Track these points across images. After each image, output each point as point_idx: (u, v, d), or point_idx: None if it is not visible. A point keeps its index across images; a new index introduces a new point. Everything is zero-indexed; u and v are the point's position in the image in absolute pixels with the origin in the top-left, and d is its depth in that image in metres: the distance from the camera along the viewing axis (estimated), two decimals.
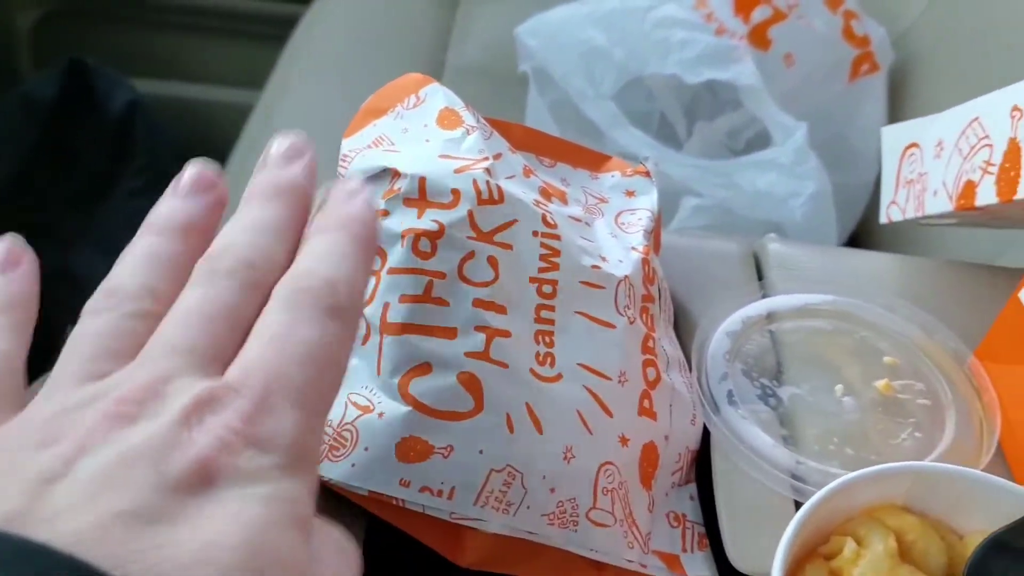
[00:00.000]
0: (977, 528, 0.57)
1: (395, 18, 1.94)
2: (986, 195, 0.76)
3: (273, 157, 0.43)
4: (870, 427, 0.70)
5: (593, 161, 0.81)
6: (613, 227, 0.75)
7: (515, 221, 0.65)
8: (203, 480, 0.30)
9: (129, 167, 1.89)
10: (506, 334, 0.62)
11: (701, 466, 0.72)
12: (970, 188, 0.78)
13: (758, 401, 0.72)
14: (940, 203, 0.83)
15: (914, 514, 0.57)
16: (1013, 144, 0.73)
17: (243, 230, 0.40)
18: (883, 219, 0.94)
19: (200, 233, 0.40)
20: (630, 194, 0.79)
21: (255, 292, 0.38)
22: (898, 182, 0.91)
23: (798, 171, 1.35)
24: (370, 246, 0.40)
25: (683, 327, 0.79)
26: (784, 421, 0.71)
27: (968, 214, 0.83)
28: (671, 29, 1.51)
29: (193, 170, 0.42)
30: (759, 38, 1.54)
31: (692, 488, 0.72)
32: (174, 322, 0.36)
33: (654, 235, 0.79)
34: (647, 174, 0.80)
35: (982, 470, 0.64)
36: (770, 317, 0.78)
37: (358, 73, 1.69)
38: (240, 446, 0.32)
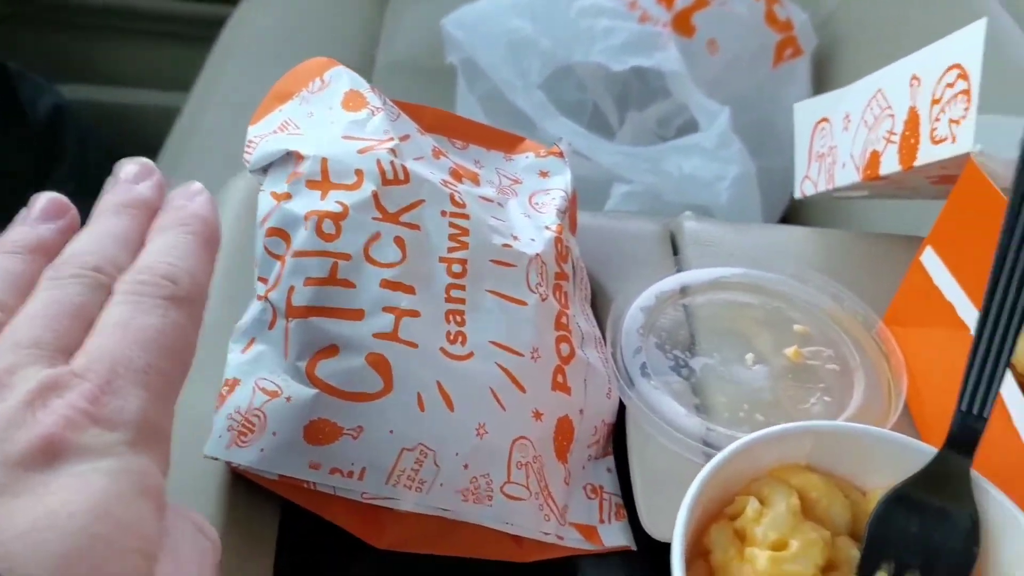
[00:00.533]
0: (881, 485, 0.58)
1: (323, 16, 1.94)
2: (889, 164, 0.77)
3: (120, 180, 0.45)
4: (780, 393, 0.71)
5: (507, 143, 0.81)
6: (527, 207, 0.75)
7: (422, 201, 0.66)
8: (48, 456, 0.31)
9: (56, 172, 1.86)
10: (415, 314, 0.62)
11: (619, 438, 0.73)
12: (875, 158, 0.80)
13: (671, 373, 0.72)
14: (848, 175, 0.85)
15: (818, 473, 0.58)
16: (912, 113, 0.74)
17: (89, 239, 0.42)
18: (797, 194, 0.96)
19: (49, 253, 0.42)
20: (544, 174, 0.79)
21: (99, 292, 0.39)
22: (810, 156, 0.93)
23: (722, 155, 1.37)
24: (212, 241, 0.44)
25: (600, 305, 0.79)
26: (696, 391, 0.72)
27: (876, 185, 0.85)
28: (596, 18, 1.52)
29: (43, 199, 0.44)
30: (683, 25, 1.56)
31: (610, 460, 0.72)
32: (19, 322, 0.37)
33: (569, 215, 0.80)
34: (560, 155, 0.81)
35: (890, 429, 0.66)
36: (684, 291, 0.79)
37: (286, 72, 1.67)
38: (85, 424, 0.33)
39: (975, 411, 0.54)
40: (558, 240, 0.72)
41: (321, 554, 0.69)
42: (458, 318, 0.64)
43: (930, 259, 0.71)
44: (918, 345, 0.72)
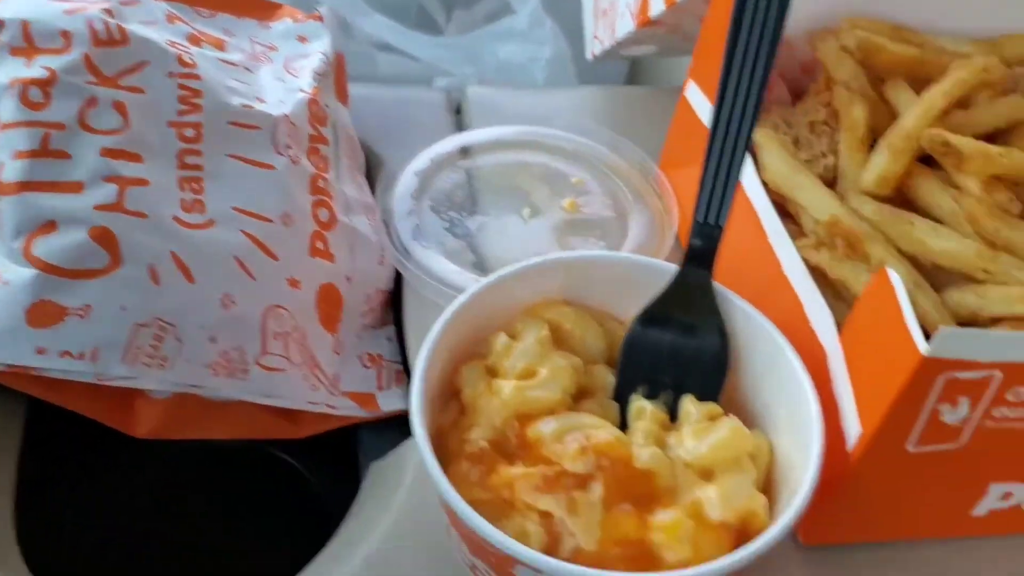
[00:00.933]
0: (636, 311, 0.56)
1: None
2: (656, 4, 0.75)
3: None
4: (557, 243, 0.70)
5: (262, 10, 0.76)
6: (282, 73, 0.71)
7: (146, 63, 0.61)
8: None
9: None
10: (143, 183, 0.58)
11: (399, 307, 0.70)
12: (645, 3, 0.78)
13: (446, 234, 0.70)
14: (626, 24, 0.83)
15: (573, 305, 0.57)
16: None
17: None
18: (588, 55, 0.94)
19: None
20: (302, 39, 0.75)
21: None
22: (596, 14, 0.91)
23: (535, 36, 1.34)
24: None
25: (378, 174, 0.76)
26: (473, 249, 0.69)
27: (657, 34, 0.83)
28: None
29: None
30: None
31: (390, 330, 0.70)
32: None
33: (337, 83, 0.76)
34: (320, 19, 0.76)
35: (664, 258, 0.65)
36: (464, 153, 0.77)
37: None
38: None
39: (711, 220, 0.53)
40: (312, 102, 0.68)
41: (80, 453, 0.65)
42: (194, 185, 0.60)
43: (693, 93, 0.70)
44: (689, 181, 0.71)
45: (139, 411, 0.61)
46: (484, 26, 1.64)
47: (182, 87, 0.61)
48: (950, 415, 0.46)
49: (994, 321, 0.54)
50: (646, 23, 0.78)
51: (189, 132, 0.61)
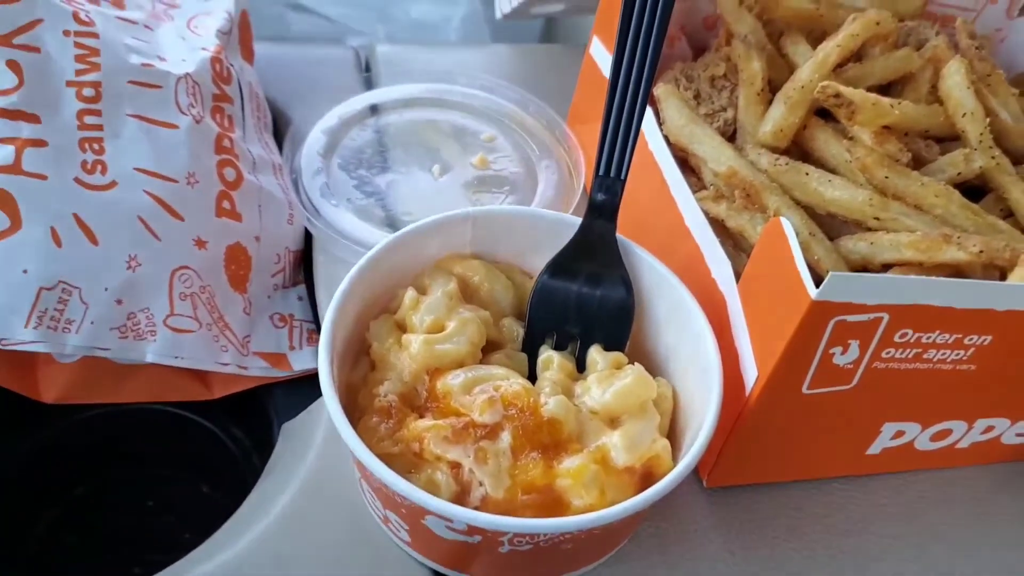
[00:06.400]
0: (544, 264, 0.57)
1: None
2: None
3: None
4: (467, 199, 0.70)
5: None
6: (184, 31, 0.70)
7: (39, 21, 0.59)
8: None
9: None
10: (41, 143, 0.57)
11: (310, 267, 0.70)
12: None
13: (355, 192, 0.70)
14: None
15: (482, 259, 0.58)
16: None
17: None
18: (498, 14, 0.94)
19: None
20: None
21: None
22: None
23: None
24: None
25: (287, 133, 0.75)
26: (383, 206, 0.69)
27: None
28: None
29: None
30: None
31: (301, 289, 0.70)
32: None
33: (242, 41, 0.75)
34: None
35: (572, 212, 0.66)
36: (374, 111, 0.76)
37: None
38: None
39: (613, 174, 0.54)
40: (216, 60, 0.67)
41: None
42: (95, 146, 0.59)
43: (597, 50, 0.71)
44: (596, 136, 0.72)
45: (45, 376, 0.60)
46: None
47: (79, 45, 0.60)
48: (841, 357, 0.49)
49: (885, 267, 0.57)
50: None
51: (88, 92, 0.59)
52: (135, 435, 0.71)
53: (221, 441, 0.70)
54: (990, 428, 0.58)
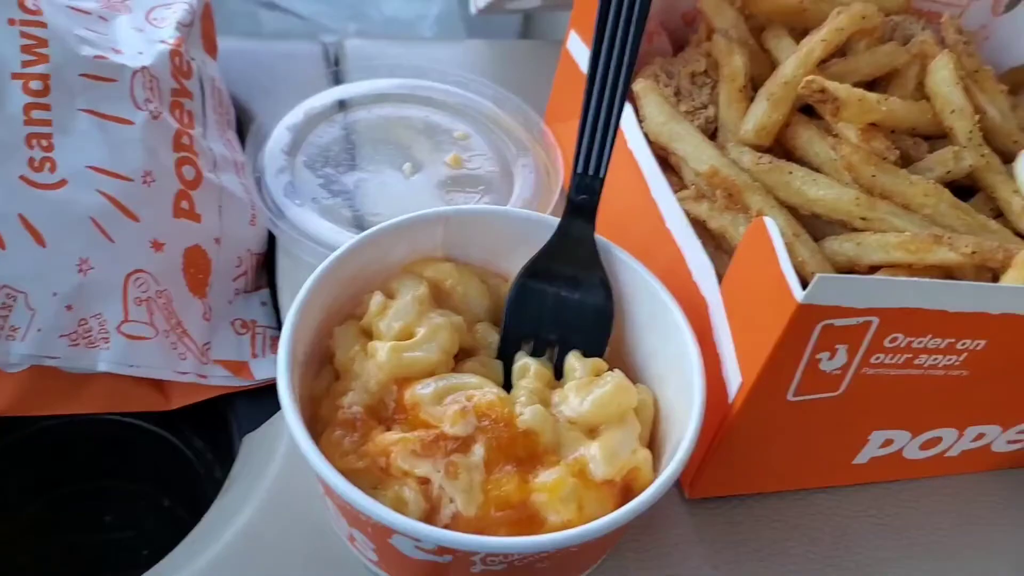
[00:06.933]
0: (520, 267, 0.55)
1: None
2: None
3: None
4: (439, 199, 0.68)
5: None
6: (142, 23, 0.66)
7: None
8: None
9: None
10: None
11: (274, 271, 0.67)
12: None
13: (321, 191, 0.67)
14: None
15: (454, 262, 0.55)
16: None
17: None
18: (472, 10, 0.91)
19: None
20: None
21: None
22: None
23: None
24: None
25: (250, 130, 0.72)
26: (351, 206, 0.67)
27: None
28: None
29: None
30: None
31: (264, 294, 0.67)
32: None
33: (203, 34, 0.72)
34: None
35: (550, 212, 0.63)
36: (342, 107, 0.74)
37: None
38: None
39: (591, 172, 0.52)
40: (175, 53, 0.64)
41: None
42: (43, 142, 0.56)
43: (575, 45, 0.68)
44: (574, 133, 0.69)
45: None
46: None
47: (25, 35, 0.57)
48: (828, 363, 0.46)
49: (872, 269, 0.55)
50: None
51: (35, 84, 0.56)
52: (90, 447, 0.68)
53: (182, 453, 0.67)
54: (981, 435, 0.56)
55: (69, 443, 0.68)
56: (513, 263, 0.54)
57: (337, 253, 0.51)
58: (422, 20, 1.31)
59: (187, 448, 0.67)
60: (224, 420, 0.62)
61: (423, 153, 0.71)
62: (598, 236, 0.53)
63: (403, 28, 1.32)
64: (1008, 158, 0.62)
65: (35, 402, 0.58)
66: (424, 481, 0.45)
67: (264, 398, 0.61)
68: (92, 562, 0.68)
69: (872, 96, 0.58)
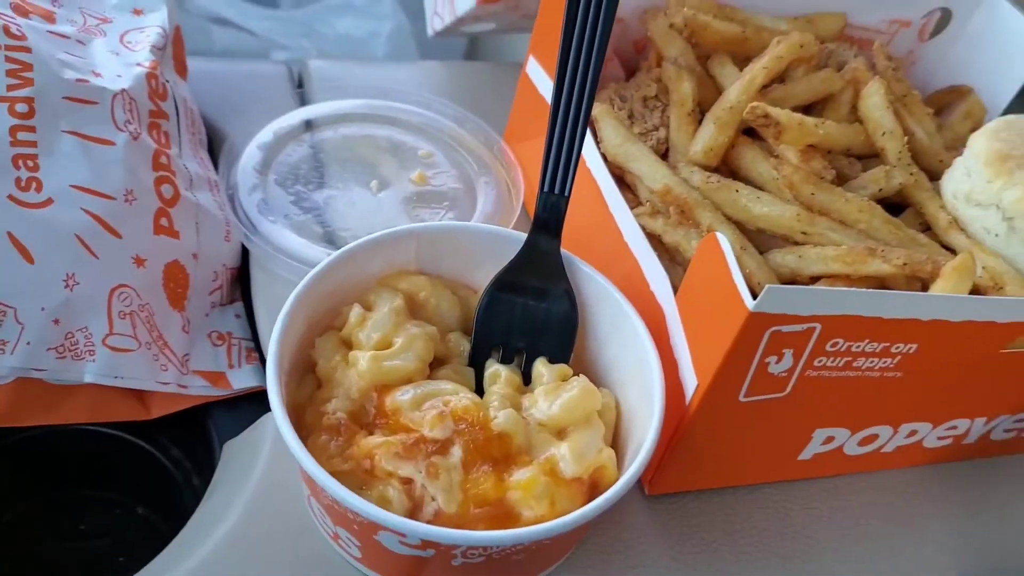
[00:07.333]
0: (489, 279, 0.58)
1: None
2: None
3: None
4: (406, 215, 0.71)
5: None
6: (117, 46, 0.69)
7: None
8: None
9: None
10: None
11: (247, 284, 0.70)
12: None
13: (292, 207, 0.70)
14: (467, 2, 0.84)
15: (427, 275, 0.58)
16: None
17: None
18: (429, 31, 0.94)
19: None
20: (138, 12, 0.72)
21: None
22: None
23: (374, 11, 1.34)
24: None
25: (222, 148, 0.75)
26: (321, 222, 0.70)
27: (497, 11, 0.85)
28: None
29: None
30: None
31: (238, 307, 0.69)
32: None
33: (176, 56, 0.74)
34: None
35: (512, 227, 0.67)
36: (308, 126, 0.76)
37: None
38: None
39: (556, 190, 0.56)
40: (151, 76, 0.66)
41: None
42: (29, 163, 0.58)
43: (533, 69, 0.72)
44: (533, 154, 0.73)
45: None
46: None
47: (10, 60, 0.59)
48: (776, 366, 0.51)
49: (813, 279, 0.59)
50: (487, 0, 0.80)
51: (21, 107, 0.58)
52: (66, 456, 0.70)
53: (158, 461, 0.69)
54: (914, 432, 0.61)
55: (45, 452, 0.69)
56: (482, 275, 0.58)
57: (318, 268, 0.54)
58: (375, 38, 1.33)
59: (164, 456, 0.69)
60: (202, 428, 0.65)
61: (389, 171, 0.74)
62: (563, 250, 0.57)
63: (356, 45, 1.34)
64: (934, 176, 0.68)
65: (19, 414, 0.59)
66: (407, 481, 0.48)
67: (241, 406, 0.64)
68: (69, 570, 0.70)
69: (810, 120, 0.63)
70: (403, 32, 1.35)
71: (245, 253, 0.70)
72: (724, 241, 0.50)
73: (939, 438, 0.63)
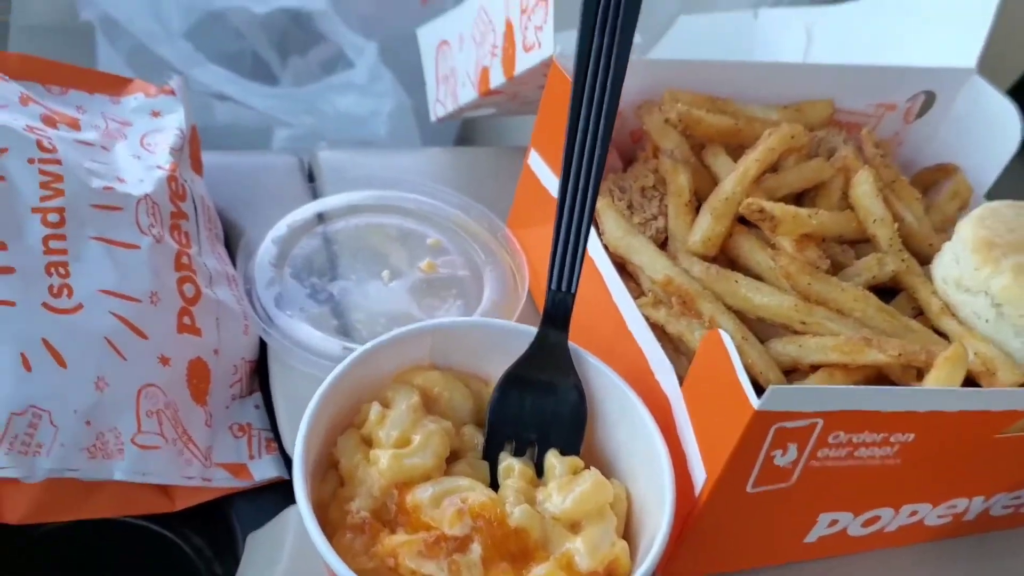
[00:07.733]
0: (500, 372, 0.60)
1: None
2: (496, 77, 0.81)
3: None
4: (416, 304, 0.73)
5: (113, 85, 0.77)
6: (138, 149, 0.72)
7: (4, 150, 0.61)
8: None
9: None
10: (8, 270, 0.58)
11: (265, 374, 0.72)
12: (485, 73, 0.83)
13: (308, 300, 0.73)
14: (468, 92, 0.88)
15: (440, 370, 0.61)
16: (508, 25, 0.78)
17: None
18: (432, 117, 0.98)
19: None
20: (156, 114, 0.76)
21: None
22: (437, 80, 0.95)
23: (375, 89, 1.38)
24: None
25: (236, 243, 0.78)
26: (336, 314, 0.72)
27: (497, 100, 0.88)
28: None
29: None
30: None
31: (257, 398, 0.72)
32: None
33: (192, 154, 0.77)
34: (172, 92, 0.77)
35: (517, 317, 0.70)
36: (321, 218, 0.79)
37: None
38: None
39: (563, 288, 0.58)
40: (172, 179, 0.69)
41: None
42: (61, 270, 0.61)
43: (535, 161, 0.75)
44: (536, 240, 0.76)
45: (8, 497, 0.60)
46: (320, 75, 1.66)
47: (43, 172, 0.62)
48: (782, 459, 0.53)
49: (813, 367, 0.62)
50: (487, 92, 0.83)
51: (53, 217, 0.61)
52: (90, 546, 0.71)
53: (181, 550, 0.70)
54: (915, 512, 0.64)
55: (68, 543, 0.71)
56: (493, 367, 0.61)
57: (339, 368, 0.56)
58: (376, 116, 1.37)
59: (186, 544, 0.70)
60: (224, 518, 0.67)
61: (400, 260, 0.77)
62: (571, 343, 0.59)
63: (357, 124, 1.38)
64: (925, 259, 0.71)
65: (50, 511, 0.61)
66: None
67: (262, 497, 0.66)
68: None
69: (804, 212, 0.66)
70: (404, 110, 1.39)
71: (263, 344, 0.72)
72: (727, 339, 0.52)
73: (939, 516, 0.65)
